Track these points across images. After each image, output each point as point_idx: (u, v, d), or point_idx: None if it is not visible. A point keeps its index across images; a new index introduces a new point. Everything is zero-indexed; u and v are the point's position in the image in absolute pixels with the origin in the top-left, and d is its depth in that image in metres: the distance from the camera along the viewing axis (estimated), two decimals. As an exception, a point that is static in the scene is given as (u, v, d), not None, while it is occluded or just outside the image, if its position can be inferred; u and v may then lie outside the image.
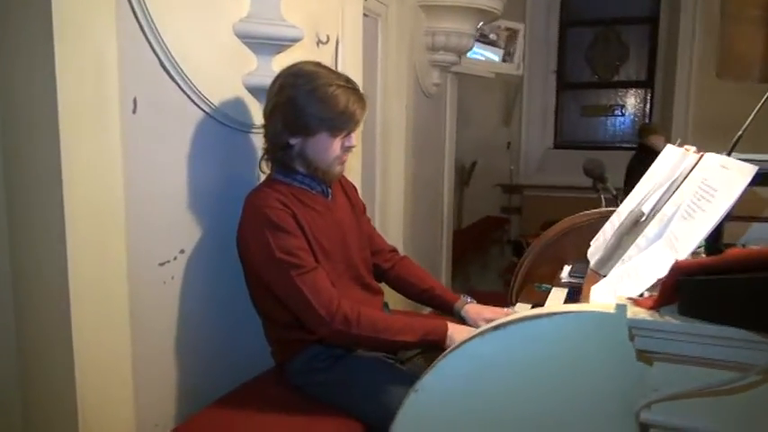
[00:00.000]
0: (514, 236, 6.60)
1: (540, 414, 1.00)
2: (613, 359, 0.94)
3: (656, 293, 0.96)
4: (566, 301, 1.81)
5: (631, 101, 6.64)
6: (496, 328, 1.01)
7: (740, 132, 1.14)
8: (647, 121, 6.35)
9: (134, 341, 1.44)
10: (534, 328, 0.99)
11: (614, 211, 2.13)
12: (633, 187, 2.46)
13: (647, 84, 6.46)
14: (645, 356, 0.90)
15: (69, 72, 1.22)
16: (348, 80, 1.60)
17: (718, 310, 0.84)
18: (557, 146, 6.81)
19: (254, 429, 1.51)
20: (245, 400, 1.64)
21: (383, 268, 1.90)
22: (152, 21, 1.43)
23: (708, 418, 0.89)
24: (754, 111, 1.13)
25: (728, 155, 1.10)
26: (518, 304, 1.97)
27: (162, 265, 1.56)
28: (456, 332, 1.53)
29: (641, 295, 0.99)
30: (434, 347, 1.57)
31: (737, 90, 5.02)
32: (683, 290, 0.86)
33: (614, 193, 2.29)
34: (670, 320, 0.86)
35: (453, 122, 3.93)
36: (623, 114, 6.70)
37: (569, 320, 0.97)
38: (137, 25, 1.42)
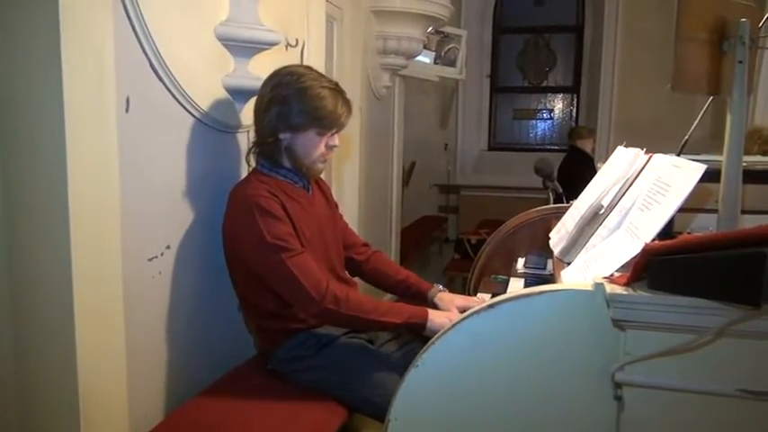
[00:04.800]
0: (452, 235, 6.84)
1: (531, 381, 1.14)
2: (592, 329, 1.09)
3: (623, 273, 1.13)
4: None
5: (559, 105, 7.04)
6: (491, 306, 1.15)
7: (686, 137, 1.32)
8: (573, 123, 6.76)
9: (127, 335, 1.48)
10: (525, 306, 1.13)
11: (560, 207, 2.34)
12: (570, 186, 2.69)
13: (573, 89, 6.87)
14: (620, 325, 1.06)
15: (74, 72, 1.25)
16: (336, 84, 1.71)
17: (680, 284, 1.01)
18: (491, 147, 7.12)
19: (243, 417, 1.57)
20: (230, 389, 1.70)
21: (358, 261, 2.00)
22: (144, 22, 1.48)
23: (671, 375, 1.06)
24: (696, 119, 1.32)
25: (678, 155, 1.29)
26: (479, 294, 2.13)
27: (150, 260, 1.60)
28: (436, 317, 1.66)
29: (611, 275, 1.15)
30: (414, 330, 1.70)
31: (652, 96, 5.48)
32: (653, 268, 1.03)
33: (560, 190, 2.49)
34: (642, 294, 1.03)
35: (401, 124, 4.06)
36: (551, 118, 7.09)
37: (555, 297, 1.11)
38: (129, 26, 1.46)
